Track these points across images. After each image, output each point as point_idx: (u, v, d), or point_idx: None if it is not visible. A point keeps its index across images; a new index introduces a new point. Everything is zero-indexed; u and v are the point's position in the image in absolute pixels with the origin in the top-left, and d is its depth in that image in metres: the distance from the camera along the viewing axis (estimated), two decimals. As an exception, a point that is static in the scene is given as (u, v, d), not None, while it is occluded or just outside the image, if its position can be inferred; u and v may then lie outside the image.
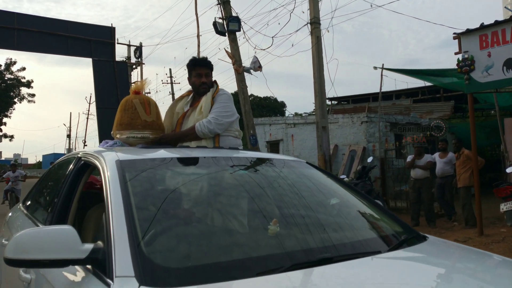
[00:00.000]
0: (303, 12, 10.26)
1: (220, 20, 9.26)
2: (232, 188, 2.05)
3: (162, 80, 27.31)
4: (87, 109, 41.93)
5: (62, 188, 2.26)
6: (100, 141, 13.95)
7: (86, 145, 34.08)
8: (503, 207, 5.52)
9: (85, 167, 2.23)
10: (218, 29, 9.11)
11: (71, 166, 2.39)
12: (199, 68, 3.00)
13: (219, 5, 9.31)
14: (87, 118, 40.97)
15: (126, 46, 19.99)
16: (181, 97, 3.18)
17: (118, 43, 14.36)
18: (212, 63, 3.11)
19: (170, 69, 27.42)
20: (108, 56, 13.72)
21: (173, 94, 26.76)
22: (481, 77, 6.66)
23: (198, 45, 8.13)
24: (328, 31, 10.99)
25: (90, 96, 36.61)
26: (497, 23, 6.51)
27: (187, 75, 3.21)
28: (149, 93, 24.04)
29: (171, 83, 27.17)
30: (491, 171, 13.38)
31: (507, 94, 9.37)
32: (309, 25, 10.92)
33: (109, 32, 13.88)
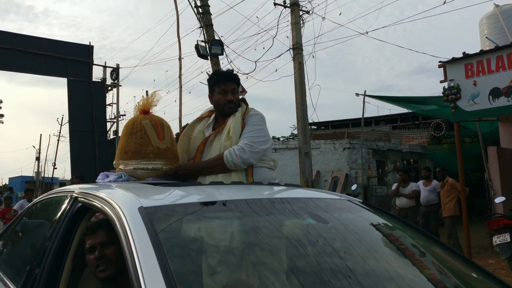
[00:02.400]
0: (288, 37, 10.19)
1: (203, 43, 9.08)
2: (301, 246, 1.52)
3: (138, 103, 26.67)
4: (59, 131, 40.71)
5: (50, 240, 1.72)
6: (74, 167, 13.21)
7: (55, 168, 32.74)
8: (496, 239, 5.39)
9: (83, 212, 1.70)
10: (201, 52, 8.92)
11: (62, 208, 1.84)
12: (224, 84, 2.41)
13: (201, 28, 9.15)
14: (58, 141, 39.69)
15: (101, 68, 19.57)
16: (200, 119, 2.55)
17: (94, 64, 13.94)
18: (239, 77, 2.54)
19: (146, 91, 26.93)
20: (85, 76, 13.29)
21: (149, 116, 26.17)
22: (467, 106, 6.65)
23: (180, 68, 7.87)
24: (313, 57, 10.95)
25: (62, 118, 35.55)
26: (482, 52, 6.57)
27: (205, 93, 2.60)
28: (124, 115, 23.50)
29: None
30: (470, 197, 13.48)
31: (486, 122, 9.48)
32: (291, 50, 10.91)
33: (86, 50, 13.48)
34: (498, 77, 6.34)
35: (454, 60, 6.83)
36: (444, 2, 8.54)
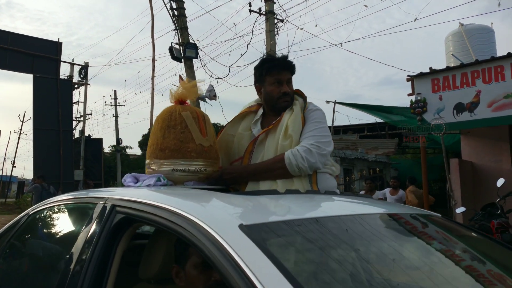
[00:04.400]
0: (264, 45, 10.29)
1: (177, 46, 9.02)
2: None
3: (105, 102, 26.20)
4: (20, 128, 39.15)
5: (79, 262, 1.34)
6: (36, 166, 12.65)
7: (15, 167, 31.35)
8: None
9: (124, 225, 1.35)
10: (174, 55, 8.85)
11: (91, 219, 1.47)
12: (279, 73, 2.02)
13: (176, 31, 9.08)
14: (19, 138, 38.19)
15: (68, 65, 19.01)
16: (243, 114, 2.15)
17: (61, 61, 13.52)
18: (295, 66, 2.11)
19: (115, 91, 26.53)
20: (51, 73, 12.85)
21: (116, 117, 25.71)
22: (433, 119, 6.94)
23: (153, 69, 7.79)
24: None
25: (24, 114, 34.21)
26: (448, 68, 6.88)
27: (245, 82, 2.29)
28: (91, 114, 22.91)
29: (115, 105, 26.15)
30: (431, 206, 13.98)
31: (449, 135, 9.89)
32: (265, 57, 11.01)
33: (54, 47, 13.05)
34: (463, 93, 6.66)
35: (421, 75, 7.13)
36: (415, 20, 8.88)
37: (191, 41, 9.23)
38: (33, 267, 1.86)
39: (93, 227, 1.42)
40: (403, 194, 8.36)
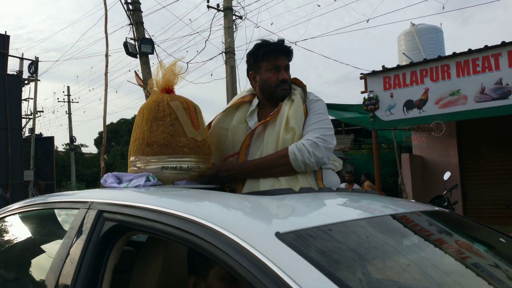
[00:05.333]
0: (216, 44, 10.26)
1: (132, 41, 8.79)
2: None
3: (58, 98, 25.14)
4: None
5: (63, 277, 1.13)
6: None
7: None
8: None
9: (115, 233, 1.15)
10: (129, 50, 8.62)
11: (73, 228, 1.24)
12: (276, 58, 1.86)
13: (131, 26, 8.85)
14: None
15: (16, 60, 18.06)
16: (236, 105, 1.96)
17: (9, 55, 12.80)
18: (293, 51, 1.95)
19: (68, 87, 25.45)
20: (-2, 68, 12.13)
21: (69, 114, 24.74)
22: (384, 116, 7.19)
23: (106, 65, 7.53)
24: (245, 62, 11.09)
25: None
26: (398, 67, 7.14)
27: (244, 69, 2.00)
28: (42, 111, 21.87)
29: (69, 101, 25.15)
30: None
31: (401, 131, 10.28)
32: (223, 54, 10.97)
33: (1, 40, 12.32)
34: (412, 91, 6.94)
35: (374, 73, 7.35)
36: (367, 21, 9.15)
37: (146, 36, 9.03)
38: (3, 285, 1.58)
39: (77, 238, 1.18)
40: (358, 188, 8.62)
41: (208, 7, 10.85)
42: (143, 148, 1.65)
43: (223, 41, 11.01)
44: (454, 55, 6.59)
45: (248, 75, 1.97)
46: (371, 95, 7.31)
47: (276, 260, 0.80)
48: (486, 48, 6.26)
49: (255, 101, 1.92)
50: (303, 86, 1.92)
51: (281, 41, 1.90)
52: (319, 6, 11.15)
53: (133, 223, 1.09)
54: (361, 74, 7.57)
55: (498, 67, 6.20)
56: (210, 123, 1.97)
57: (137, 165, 1.66)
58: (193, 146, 1.66)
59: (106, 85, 7.66)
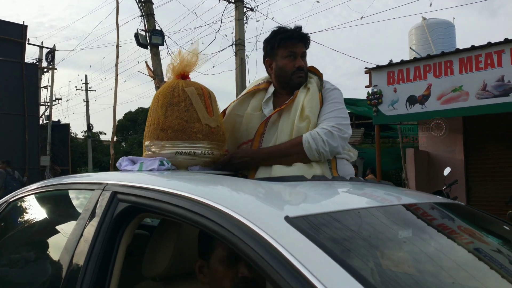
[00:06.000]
0: (226, 36, 10.40)
1: (143, 32, 9.01)
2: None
3: (76, 87, 25.72)
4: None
5: (75, 257, 1.17)
6: (1, 150, 12.40)
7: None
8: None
9: (128, 214, 1.18)
10: (140, 41, 8.85)
11: (87, 208, 1.27)
12: (294, 45, 1.85)
13: (142, 17, 9.06)
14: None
15: (37, 48, 18.57)
16: (252, 92, 1.96)
17: (28, 43, 13.24)
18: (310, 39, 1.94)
19: (86, 75, 26.00)
20: (17, 57, 12.56)
21: (87, 102, 25.31)
22: (388, 110, 7.24)
23: (117, 56, 7.77)
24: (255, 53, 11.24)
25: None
26: (402, 62, 7.16)
27: (261, 57, 1.99)
28: (60, 99, 22.44)
29: (86, 90, 25.71)
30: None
31: (410, 125, 10.27)
32: (233, 46, 11.11)
33: (19, 30, 12.73)
34: (415, 86, 6.97)
35: (378, 68, 7.39)
36: (361, 18, 9.12)
37: (157, 27, 9.23)
38: (19, 264, 1.64)
39: (91, 218, 1.21)
40: (372, 179, 8.70)
41: (220, -1, 10.98)
42: (157, 133, 1.66)
43: (234, 31, 11.14)
44: (457, 51, 6.58)
45: (264, 62, 1.96)
46: (375, 90, 7.37)
47: (285, 243, 0.82)
48: (489, 44, 6.24)
49: (271, 89, 1.92)
50: (319, 75, 1.90)
51: (298, 28, 1.88)
52: (318, 2, 11.07)
53: (146, 205, 1.12)
54: (366, 68, 7.62)
55: (500, 64, 6.18)
56: (224, 110, 1.98)
57: (152, 150, 1.67)
58: (207, 132, 1.67)
59: (117, 75, 7.92)
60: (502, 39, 6.14)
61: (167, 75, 1.81)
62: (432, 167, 8.98)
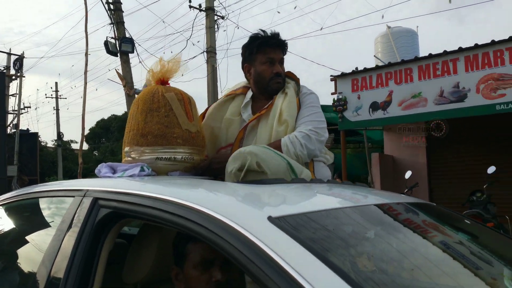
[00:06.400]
0: (196, 43, 10.51)
1: (113, 40, 9.02)
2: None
3: (45, 94, 25.24)
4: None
5: (55, 267, 1.15)
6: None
7: None
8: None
9: (110, 220, 1.18)
10: (110, 49, 8.86)
11: (67, 216, 1.26)
12: (272, 50, 1.89)
13: (112, 25, 9.08)
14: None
15: (5, 54, 18.14)
16: (231, 96, 1.99)
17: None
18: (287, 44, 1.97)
19: (56, 83, 25.57)
20: (-18, 64, 12.24)
21: (57, 110, 24.85)
22: (352, 116, 7.51)
23: (86, 64, 7.77)
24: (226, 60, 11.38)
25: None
26: (365, 70, 7.45)
27: (239, 63, 2.02)
28: (29, 107, 21.96)
29: (56, 97, 25.25)
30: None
31: (376, 130, 10.62)
32: (205, 53, 11.23)
33: (-16, 38, 12.45)
34: (377, 93, 7.26)
35: (343, 75, 7.66)
36: (321, 29, 9.39)
37: (127, 36, 9.26)
38: None
39: (71, 225, 1.21)
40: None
41: (190, 7, 11.10)
42: (137, 139, 1.65)
43: (205, 39, 11.27)
44: (416, 59, 6.92)
45: (242, 67, 1.99)
46: (340, 96, 7.63)
47: (269, 242, 0.84)
48: (446, 53, 6.59)
49: (249, 94, 1.95)
50: (296, 80, 1.96)
51: (276, 35, 1.92)
52: (294, 8, 11.36)
53: (129, 210, 1.12)
54: (331, 76, 7.88)
55: (456, 72, 6.53)
56: (203, 114, 1.99)
57: (132, 156, 1.66)
58: (187, 138, 1.66)
59: (85, 84, 7.90)
60: (472, 45, 6.38)
61: (146, 81, 1.82)
62: (396, 171, 9.30)
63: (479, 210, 6.11)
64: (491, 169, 6.36)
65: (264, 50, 1.90)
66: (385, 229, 1.26)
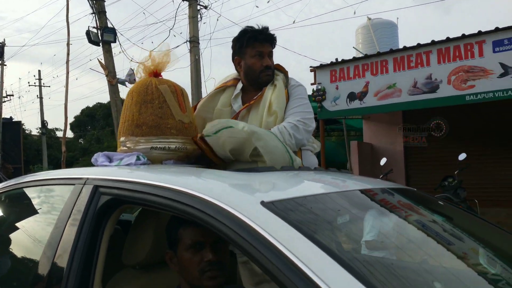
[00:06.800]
0: (178, 34, 10.57)
1: (95, 30, 9.05)
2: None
3: (28, 82, 24.97)
4: None
5: (59, 254, 1.22)
6: None
7: None
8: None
9: (110, 207, 1.26)
10: (92, 39, 8.89)
11: (69, 203, 1.33)
12: (261, 45, 1.98)
13: (94, 15, 9.10)
14: None
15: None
16: (222, 88, 2.08)
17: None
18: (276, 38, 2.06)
19: (39, 71, 25.25)
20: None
21: (41, 98, 24.61)
22: (330, 106, 7.75)
23: (68, 54, 7.82)
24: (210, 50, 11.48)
25: None
26: (343, 61, 7.66)
27: (230, 55, 2.09)
28: (12, 95, 21.71)
29: (40, 86, 24.98)
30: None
31: (356, 119, 10.89)
32: (188, 43, 11.29)
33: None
34: (354, 83, 7.50)
35: (322, 66, 7.87)
36: (294, 22, 9.54)
37: (109, 25, 9.29)
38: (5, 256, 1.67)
39: (73, 212, 1.27)
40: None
41: (173, -4, 11.10)
42: (132, 129, 1.72)
43: (188, 29, 11.32)
44: (391, 51, 7.15)
45: (233, 60, 2.07)
46: (319, 87, 7.84)
47: (262, 224, 0.92)
48: (419, 45, 6.83)
49: (239, 85, 2.04)
50: (285, 72, 2.06)
51: (265, 29, 2.02)
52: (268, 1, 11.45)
53: (129, 196, 1.20)
54: (311, 67, 8.08)
55: (429, 64, 6.79)
56: (195, 106, 2.08)
57: (127, 145, 1.73)
58: (181, 128, 1.74)
59: (67, 73, 7.97)
60: (459, 35, 6.51)
61: (137, 75, 1.87)
62: (375, 158, 9.61)
63: (448, 195, 6.44)
64: (461, 156, 6.68)
65: (254, 44, 1.98)
66: (366, 212, 1.38)
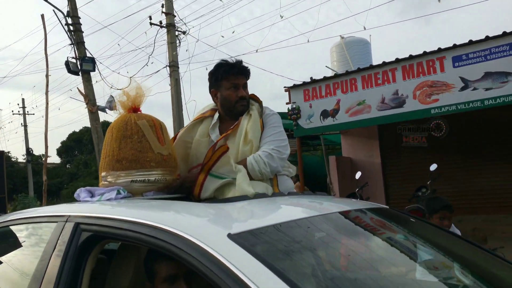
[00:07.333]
0: (157, 59, 10.82)
1: (74, 60, 9.25)
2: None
3: (12, 111, 24.96)
4: None
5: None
6: None
7: None
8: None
9: (91, 243, 1.31)
10: (71, 69, 9.09)
11: (51, 241, 1.38)
12: (236, 77, 2.09)
13: (72, 45, 9.31)
14: None
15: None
16: (200, 119, 2.17)
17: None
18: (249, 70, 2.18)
19: (23, 99, 25.29)
20: None
21: (25, 126, 24.59)
22: (305, 124, 8.02)
23: (47, 85, 7.99)
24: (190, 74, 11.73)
25: None
26: (315, 81, 7.97)
27: (206, 88, 2.19)
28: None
29: (24, 114, 24.99)
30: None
31: (334, 135, 11.17)
32: (167, 68, 11.55)
33: None
34: (327, 101, 7.79)
35: (295, 86, 8.17)
36: (256, 51, 9.90)
37: (88, 54, 9.51)
38: None
39: (55, 249, 1.33)
40: (309, 192, 9.39)
41: (151, 24, 11.38)
42: (113, 164, 1.78)
43: (167, 54, 11.58)
44: (359, 70, 7.47)
45: (210, 92, 2.18)
46: (294, 106, 8.12)
47: (228, 257, 0.97)
48: (384, 63, 7.17)
49: (216, 115, 2.14)
50: (259, 102, 2.16)
51: (239, 62, 2.13)
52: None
53: (109, 233, 1.27)
54: (285, 87, 8.37)
55: (395, 80, 7.11)
56: (174, 137, 2.17)
57: (108, 180, 1.79)
58: (160, 160, 1.81)
59: (47, 104, 8.12)
60: (438, 47, 6.80)
61: (118, 110, 1.94)
62: (354, 171, 9.85)
63: (419, 205, 6.67)
64: (433, 167, 6.96)
65: (228, 77, 2.08)
66: (338, 236, 1.42)
